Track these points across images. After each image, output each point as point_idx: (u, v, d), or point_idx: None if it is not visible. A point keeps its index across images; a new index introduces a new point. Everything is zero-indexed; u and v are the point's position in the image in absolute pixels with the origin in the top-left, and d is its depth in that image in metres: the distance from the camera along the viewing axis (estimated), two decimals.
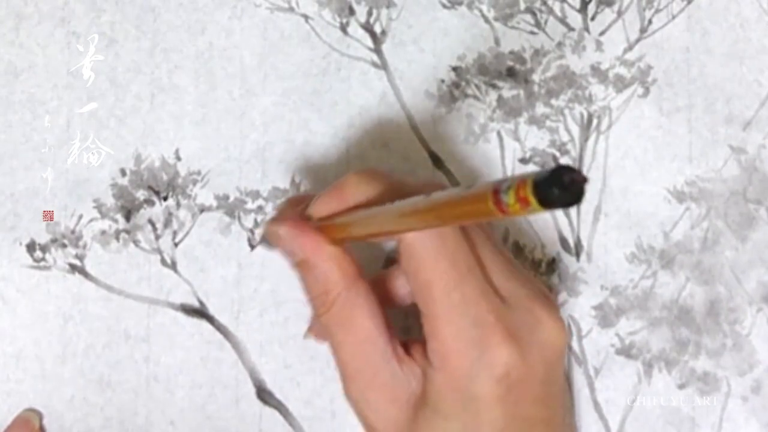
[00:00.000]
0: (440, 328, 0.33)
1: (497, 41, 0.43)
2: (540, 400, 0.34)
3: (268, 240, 0.38)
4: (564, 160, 0.42)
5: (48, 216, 0.42)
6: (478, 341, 0.32)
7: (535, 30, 0.43)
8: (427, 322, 0.33)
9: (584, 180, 0.23)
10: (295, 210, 0.36)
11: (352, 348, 0.35)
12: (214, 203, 0.42)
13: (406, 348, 0.35)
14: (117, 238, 0.42)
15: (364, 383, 0.35)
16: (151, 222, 0.42)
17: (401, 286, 0.37)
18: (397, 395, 0.34)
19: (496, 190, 0.24)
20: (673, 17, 0.43)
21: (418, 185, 0.34)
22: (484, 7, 0.43)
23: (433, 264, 0.32)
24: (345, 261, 0.35)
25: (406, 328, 0.38)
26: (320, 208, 0.35)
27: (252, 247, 0.42)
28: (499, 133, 0.42)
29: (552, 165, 0.22)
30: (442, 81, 0.42)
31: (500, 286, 0.34)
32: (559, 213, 0.42)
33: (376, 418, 0.35)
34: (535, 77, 0.42)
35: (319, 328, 0.38)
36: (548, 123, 0.42)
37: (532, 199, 0.23)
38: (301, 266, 0.35)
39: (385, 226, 0.31)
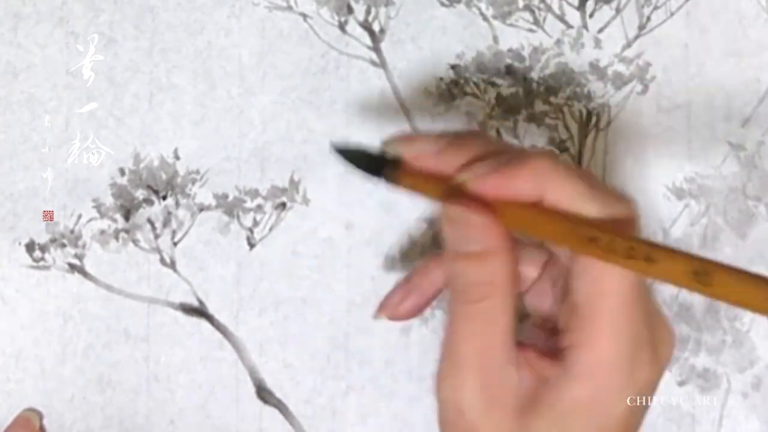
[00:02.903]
0: (601, 339, 0.31)
1: (496, 39, 0.43)
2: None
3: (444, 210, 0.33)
4: (563, 158, 0.42)
5: (47, 216, 0.42)
6: (632, 359, 0.31)
7: (534, 27, 0.43)
8: (584, 327, 0.31)
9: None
10: (441, 160, 0.32)
11: (487, 343, 0.32)
12: (213, 202, 0.42)
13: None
14: (116, 238, 0.42)
15: (481, 381, 0.33)
16: (150, 221, 0.42)
17: (526, 273, 0.35)
18: (508, 400, 0.33)
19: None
20: (672, 14, 0.43)
21: (615, 198, 0.31)
22: (483, 5, 0.43)
23: (620, 276, 0.30)
24: (515, 257, 0.32)
25: None
26: (494, 188, 0.31)
27: (251, 246, 0.42)
28: (498, 131, 0.42)
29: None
30: (441, 79, 0.42)
31: (649, 300, 0.33)
32: None
33: (480, 420, 0.33)
34: (534, 75, 0.42)
35: (404, 307, 0.37)
36: (547, 120, 0.42)
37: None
38: (475, 256, 0.32)
39: (587, 250, 0.30)
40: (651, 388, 0.32)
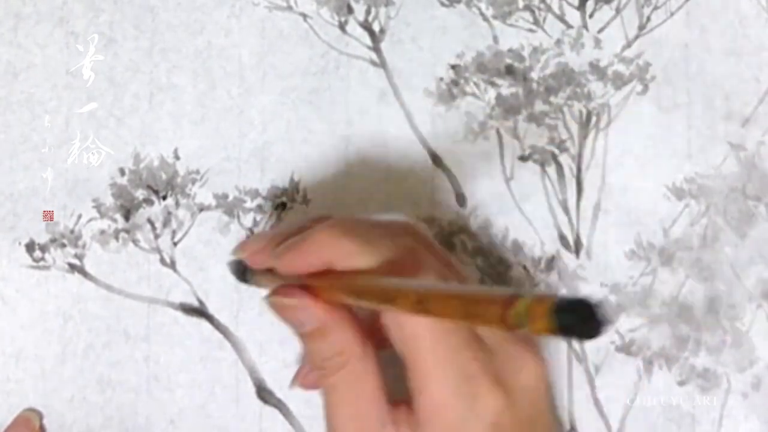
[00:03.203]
0: (428, 382, 0.32)
1: (496, 39, 0.43)
2: None
3: (267, 296, 0.36)
4: (563, 158, 0.42)
5: (47, 216, 0.42)
6: (467, 393, 0.32)
7: (534, 27, 0.43)
8: (414, 376, 0.32)
9: (607, 322, 0.21)
10: (262, 254, 0.35)
11: (355, 411, 0.34)
12: (213, 202, 0.42)
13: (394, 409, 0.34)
14: (116, 238, 0.42)
15: None
16: (150, 221, 0.42)
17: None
18: None
19: (510, 301, 0.23)
20: (672, 14, 0.43)
21: (391, 238, 0.33)
22: (483, 5, 0.43)
23: (417, 318, 0.31)
24: (356, 320, 0.34)
25: None
26: (289, 265, 0.33)
27: None
28: (498, 131, 0.42)
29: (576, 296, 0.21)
30: (441, 79, 0.42)
31: (481, 332, 0.33)
32: (558, 210, 0.42)
33: None
34: (534, 75, 0.42)
35: (309, 378, 0.38)
36: (547, 120, 0.42)
37: (549, 322, 0.21)
38: (314, 333, 0.34)
39: (372, 303, 0.30)
40: (508, 414, 0.32)
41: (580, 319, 0.21)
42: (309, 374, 0.39)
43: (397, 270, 0.32)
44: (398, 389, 0.34)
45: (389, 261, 0.32)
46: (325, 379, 0.34)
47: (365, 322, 0.35)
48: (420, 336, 0.32)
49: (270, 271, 0.35)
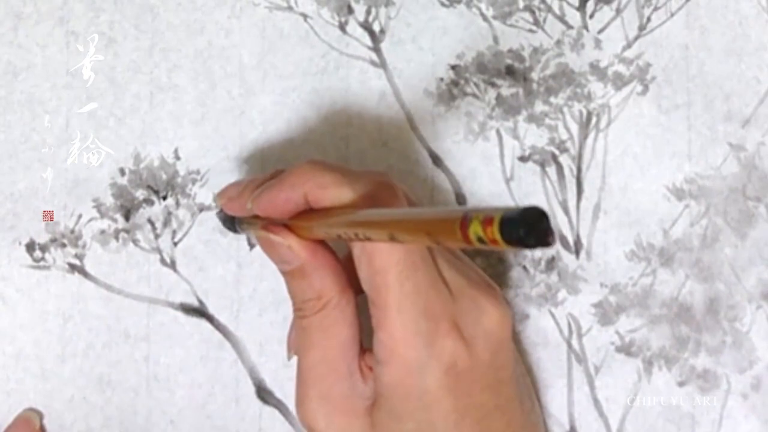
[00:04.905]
0: (390, 317, 0.32)
1: (496, 39, 0.43)
2: (490, 387, 0.33)
3: (248, 237, 0.38)
4: (563, 158, 0.42)
5: (48, 216, 0.42)
6: (426, 333, 0.32)
7: (534, 28, 0.43)
8: (377, 311, 0.33)
9: (551, 234, 0.23)
10: (239, 199, 0.36)
11: (324, 354, 0.34)
12: (214, 202, 0.42)
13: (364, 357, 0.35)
14: (116, 238, 0.42)
15: (324, 391, 0.34)
16: (150, 221, 0.42)
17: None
18: (355, 408, 0.34)
19: (465, 220, 0.24)
20: (672, 15, 0.43)
21: (365, 176, 0.34)
22: (483, 6, 0.43)
23: (388, 251, 0.32)
24: (338, 267, 0.34)
25: None
26: (269, 204, 0.34)
27: (251, 246, 0.42)
28: (498, 132, 0.42)
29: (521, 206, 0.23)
30: (441, 79, 0.43)
31: (446, 276, 0.34)
32: (559, 211, 0.42)
33: (327, 429, 0.34)
34: (534, 75, 0.42)
35: (295, 336, 0.38)
36: (547, 121, 0.42)
37: (498, 236, 0.23)
38: (295, 273, 0.34)
39: (347, 233, 0.31)
40: (466, 357, 0.32)
41: (527, 229, 0.22)
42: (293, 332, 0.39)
43: (373, 205, 0.32)
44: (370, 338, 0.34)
45: (365, 195, 0.32)
46: (301, 320, 0.35)
47: (348, 268, 0.35)
48: (388, 270, 0.32)
49: (257, 218, 0.36)
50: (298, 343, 0.36)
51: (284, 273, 0.35)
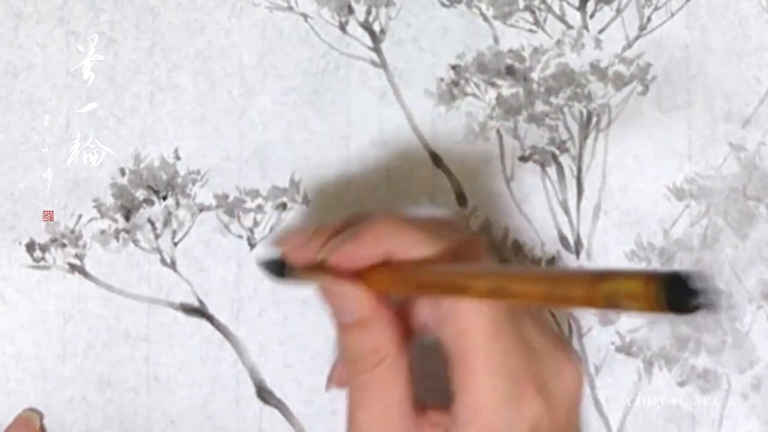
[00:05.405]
0: (477, 379, 0.31)
1: (496, 39, 0.43)
2: None
3: (292, 279, 0.36)
4: (563, 158, 0.42)
5: (48, 216, 0.42)
6: (513, 395, 0.31)
7: (534, 28, 0.43)
8: (462, 373, 0.32)
9: (713, 295, 0.21)
10: (307, 248, 0.34)
11: (380, 413, 0.33)
12: (214, 202, 0.42)
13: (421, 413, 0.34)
14: (117, 238, 0.42)
15: None
16: (150, 221, 0.42)
17: (421, 319, 0.35)
18: None
19: (596, 281, 0.22)
20: (672, 15, 0.43)
21: (446, 228, 0.33)
22: (483, 6, 0.43)
23: (475, 311, 0.31)
24: (397, 321, 0.33)
25: None
26: (348, 257, 0.33)
27: (251, 246, 0.42)
28: (498, 132, 0.42)
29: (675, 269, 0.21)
30: (442, 79, 0.42)
31: (528, 334, 0.33)
32: (559, 211, 0.42)
33: None
34: (535, 75, 0.42)
35: (342, 377, 0.37)
36: (547, 121, 0.42)
37: (655, 298, 0.20)
38: (355, 325, 0.33)
39: (436, 292, 0.30)
40: (547, 419, 0.32)
41: (687, 294, 0.20)
42: (343, 372, 0.38)
43: (458, 258, 0.31)
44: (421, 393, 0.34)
45: (450, 250, 0.31)
46: (355, 376, 0.33)
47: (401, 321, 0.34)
48: (475, 331, 0.31)
49: (320, 267, 0.34)
50: (349, 399, 0.34)
51: (342, 325, 0.34)
